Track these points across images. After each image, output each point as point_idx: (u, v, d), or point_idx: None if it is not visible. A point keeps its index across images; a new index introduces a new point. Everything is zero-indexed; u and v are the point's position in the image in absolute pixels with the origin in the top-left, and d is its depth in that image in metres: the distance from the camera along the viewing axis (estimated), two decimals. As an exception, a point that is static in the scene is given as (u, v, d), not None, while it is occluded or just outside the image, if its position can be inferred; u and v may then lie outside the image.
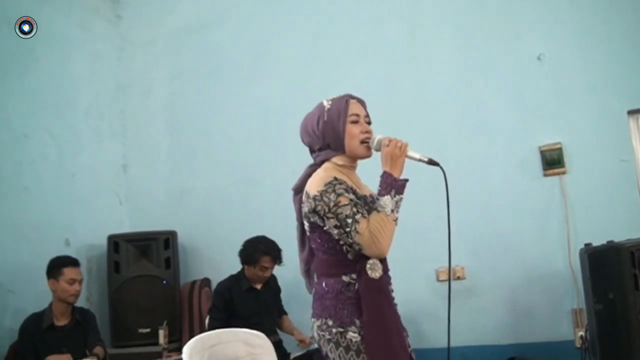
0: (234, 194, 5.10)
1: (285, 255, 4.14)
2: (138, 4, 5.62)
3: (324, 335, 2.19)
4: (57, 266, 3.87)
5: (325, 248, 2.24)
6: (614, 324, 3.42)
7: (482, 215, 4.40)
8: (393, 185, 2.18)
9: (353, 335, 2.15)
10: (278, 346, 4.03)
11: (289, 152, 4.86)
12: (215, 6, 5.39)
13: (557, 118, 4.38)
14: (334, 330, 2.17)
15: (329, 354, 2.18)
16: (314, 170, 2.31)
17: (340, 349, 2.15)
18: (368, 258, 2.19)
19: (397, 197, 2.18)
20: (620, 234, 3.60)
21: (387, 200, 2.16)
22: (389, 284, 2.31)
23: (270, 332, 4.02)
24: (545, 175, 4.36)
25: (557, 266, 4.25)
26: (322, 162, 2.34)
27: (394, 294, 2.32)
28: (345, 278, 2.20)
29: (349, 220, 2.12)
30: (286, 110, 4.92)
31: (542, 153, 4.36)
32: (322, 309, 2.22)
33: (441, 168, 2.26)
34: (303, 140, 2.44)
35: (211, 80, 5.28)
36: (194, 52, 5.39)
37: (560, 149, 4.32)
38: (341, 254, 2.21)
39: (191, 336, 2.72)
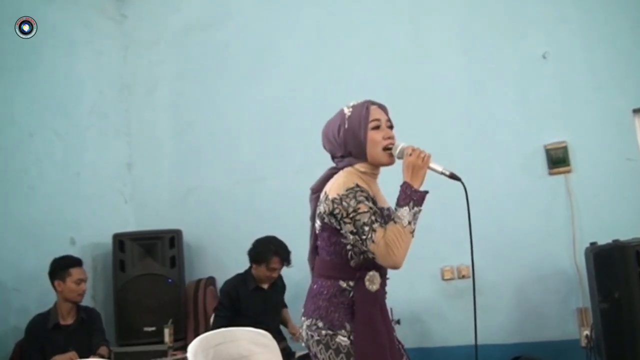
0: (238, 193, 5.10)
1: (291, 255, 4.15)
2: (142, 2, 5.63)
3: (312, 336, 2.19)
4: (64, 267, 3.89)
5: (331, 250, 2.24)
6: (619, 323, 3.41)
7: (487, 214, 4.37)
8: (412, 196, 2.16)
9: (342, 339, 2.15)
10: (283, 348, 4.04)
11: (294, 151, 4.88)
12: (220, 5, 5.40)
13: (562, 116, 4.35)
14: (323, 332, 2.17)
15: (319, 355, 2.18)
16: (335, 173, 2.30)
17: (330, 351, 2.15)
18: (369, 270, 2.20)
19: (416, 209, 2.16)
20: (626, 233, 3.58)
21: (405, 212, 2.13)
22: (385, 298, 2.31)
23: (275, 332, 4.03)
24: (550, 174, 4.34)
25: (562, 265, 4.23)
26: (345, 167, 2.31)
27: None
28: (342, 283, 2.20)
29: (366, 228, 2.10)
30: (290, 109, 4.92)
31: (547, 152, 4.34)
32: (313, 309, 2.22)
33: (462, 183, 2.27)
34: (325, 147, 2.42)
35: (215, 79, 5.28)
36: (199, 51, 5.39)
37: (565, 148, 4.30)
38: (344, 259, 2.21)
39: (196, 335, 2.72)
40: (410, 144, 2.25)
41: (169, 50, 5.51)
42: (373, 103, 2.34)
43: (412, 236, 2.14)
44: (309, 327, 2.22)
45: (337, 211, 2.14)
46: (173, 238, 4.87)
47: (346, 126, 2.29)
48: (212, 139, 5.26)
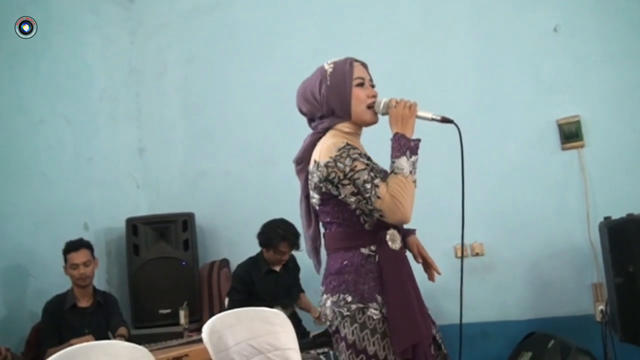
0: (250, 175, 5.10)
1: (302, 238, 4.16)
2: (149, -14, 5.61)
3: (341, 312, 2.07)
4: (64, 252, 3.93)
5: (340, 220, 2.13)
6: (634, 297, 3.38)
7: (500, 190, 4.37)
8: (407, 146, 2.05)
9: (374, 312, 2.05)
10: (295, 322, 4.05)
11: (305, 132, 4.83)
12: (227, -14, 5.36)
13: (575, 90, 4.31)
14: (353, 306, 2.06)
15: (341, 329, 2.08)
16: (318, 139, 2.19)
17: (356, 325, 2.04)
18: (387, 228, 2.11)
19: (413, 157, 2.05)
20: (640, 207, 3.56)
21: (403, 162, 2.02)
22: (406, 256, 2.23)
23: (289, 313, 4.04)
24: (563, 149, 4.30)
25: (576, 240, 4.21)
26: (326, 130, 2.21)
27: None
28: (364, 250, 2.10)
29: (368, 186, 1.99)
30: (300, 90, 4.89)
31: (560, 126, 4.30)
32: (339, 284, 2.10)
33: (456, 125, 2.17)
34: (301, 110, 2.32)
35: (225, 61, 5.26)
36: (207, 33, 5.36)
37: (578, 122, 4.25)
38: (358, 225, 2.11)
39: (211, 316, 2.73)
40: (392, 97, 2.17)
41: (178, 34, 5.48)
42: (355, 60, 2.25)
43: (415, 186, 2.04)
44: (335, 303, 2.10)
45: (332, 175, 2.04)
46: (186, 221, 4.88)
47: (328, 82, 2.19)
48: (222, 121, 5.25)
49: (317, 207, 2.20)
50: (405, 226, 2.34)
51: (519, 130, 4.42)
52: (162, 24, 5.52)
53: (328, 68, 2.24)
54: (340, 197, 2.08)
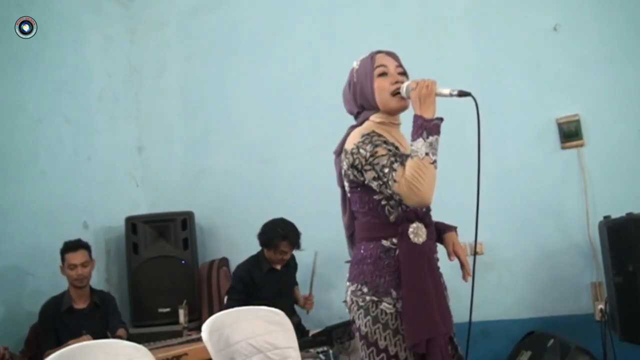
0: (249, 174, 5.09)
1: (301, 236, 4.17)
2: (148, -15, 5.60)
3: (357, 302, 2.13)
4: (61, 252, 3.93)
5: (366, 210, 2.16)
6: (634, 296, 3.39)
7: (500, 189, 4.35)
8: (424, 126, 2.04)
9: (387, 306, 2.08)
10: (297, 325, 4.06)
11: (304, 131, 4.85)
12: (226, -15, 5.36)
13: (574, 89, 4.29)
14: (367, 297, 2.10)
15: (356, 320, 2.13)
16: (352, 131, 2.24)
17: (368, 317, 2.09)
18: (411, 222, 2.11)
19: (431, 138, 2.03)
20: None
21: (419, 144, 2.01)
22: (435, 252, 2.24)
23: (289, 312, 4.04)
24: (562, 148, 4.29)
25: (576, 239, 4.21)
26: (362, 122, 2.25)
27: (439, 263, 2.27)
28: (385, 242, 2.13)
29: (386, 170, 2.01)
30: (300, 89, 4.88)
31: (559, 125, 4.29)
32: (358, 274, 2.15)
33: (473, 98, 2.21)
34: (347, 110, 2.38)
35: (224, 60, 5.25)
36: (206, 32, 5.36)
37: (577, 121, 4.24)
38: (382, 216, 2.14)
39: (210, 315, 2.73)
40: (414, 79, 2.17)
41: (177, 32, 5.48)
42: (380, 51, 2.30)
43: (435, 167, 2.02)
44: (353, 292, 2.16)
45: (357, 162, 2.09)
46: (185, 220, 4.88)
47: (355, 80, 2.27)
48: (222, 120, 5.25)
49: (349, 195, 2.25)
50: (445, 221, 2.41)
51: (519, 129, 4.41)
52: (162, 23, 5.51)
53: (355, 66, 2.32)
54: (366, 182, 2.11)
